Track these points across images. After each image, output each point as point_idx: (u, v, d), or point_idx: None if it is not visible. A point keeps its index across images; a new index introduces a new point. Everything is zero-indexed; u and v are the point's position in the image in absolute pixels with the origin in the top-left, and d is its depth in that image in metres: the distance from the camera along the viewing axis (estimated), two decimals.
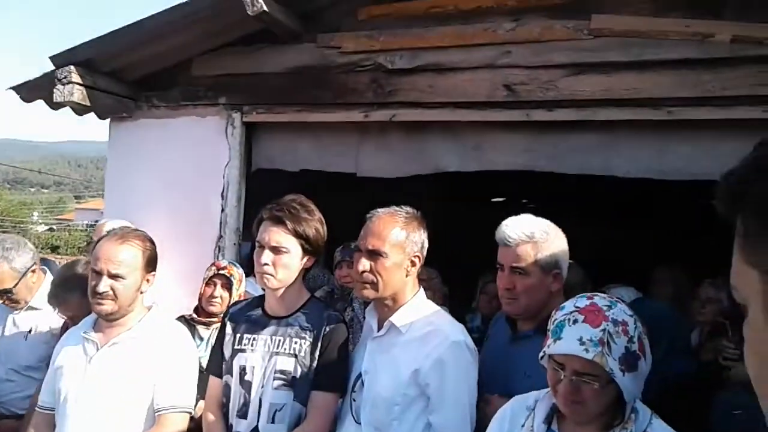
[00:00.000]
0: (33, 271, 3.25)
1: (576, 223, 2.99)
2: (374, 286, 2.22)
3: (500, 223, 2.28)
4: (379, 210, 2.30)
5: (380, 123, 3.67)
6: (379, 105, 3.63)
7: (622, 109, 3.16)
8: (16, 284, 3.13)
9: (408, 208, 2.31)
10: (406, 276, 2.25)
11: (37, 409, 2.48)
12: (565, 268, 2.26)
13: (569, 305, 1.69)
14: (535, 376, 1.80)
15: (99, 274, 2.32)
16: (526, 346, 2.14)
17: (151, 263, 2.44)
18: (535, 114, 3.30)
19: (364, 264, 2.21)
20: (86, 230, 40.36)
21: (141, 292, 2.42)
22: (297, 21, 3.72)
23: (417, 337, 2.19)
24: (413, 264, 2.25)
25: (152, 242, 2.50)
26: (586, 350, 1.56)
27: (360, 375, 2.25)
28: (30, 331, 3.17)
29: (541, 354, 1.70)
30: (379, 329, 2.28)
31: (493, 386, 2.16)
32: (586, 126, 3.26)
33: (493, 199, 9.11)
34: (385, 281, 2.21)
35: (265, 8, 3.32)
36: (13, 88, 4.05)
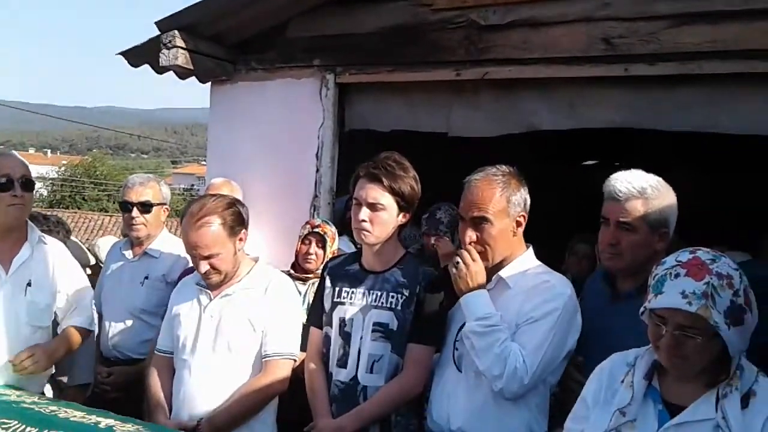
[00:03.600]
0: (165, 210, 3.50)
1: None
2: (484, 255, 2.25)
3: (606, 179, 2.25)
4: (476, 175, 2.29)
5: (472, 81, 3.63)
6: (471, 63, 3.59)
7: (729, 61, 2.99)
8: (155, 205, 3.36)
9: (504, 168, 2.30)
10: (513, 236, 2.28)
11: (156, 352, 2.68)
12: (672, 228, 2.20)
13: (670, 260, 1.66)
14: (638, 335, 1.77)
15: (194, 257, 2.44)
16: (627, 305, 2.11)
17: (236, 225, 2.46)
18: (635, 68, 3.18)
19: (471, 235, 2.24)
20: (183, 194, 42.32)
21: (237, 252, 2.50)
22: None
23: (524, 290, 2.22)
24: (519, 224, 2.27)
25: (229, 204, 2.49)
26: (689, 303, 1.53)
27: (464, 325, 2.28)
28: (146, 277, 3.35)
29: (641, 309, 1.68)
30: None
31: (593, 346, 2.15)
32: (690, 80, 3.11)
33: (584, 162, 8.87)
34: (494, 249, 2.25)
35: None
36: (121, 53, 4.28)
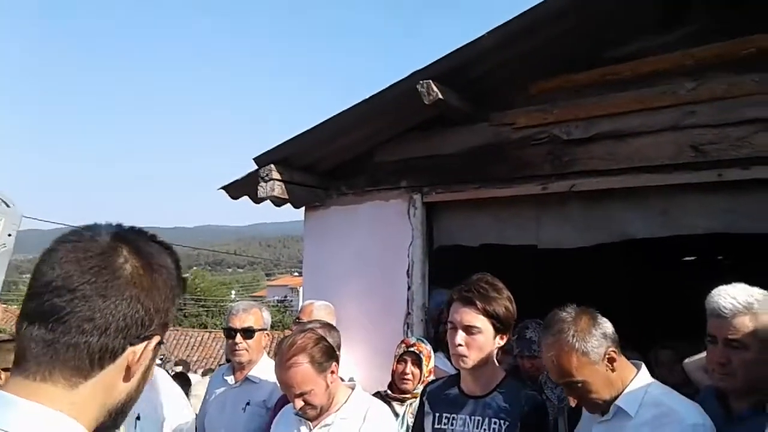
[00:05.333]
0: (267, 336, 3.60)
1: None
2: (596, 406, 2.17)
3: (708, 296, 2.15)
4: (544, 338, 2.20)
5: (559, 194, 3.66)
6: (557, 176, 3.64)
7: None
8: (256, 331, 3.45)
9: (567, 314, 2.18)
10: (613, 372, 2.15)
11: None
12: None
13: None
14: None
15: (288, 395, 2.50)
16: (744, 427, 1.97)
17: (325, 360, 2.49)
18: (729, 173, 3.12)
19: (572, 400, 2.19)
20: (277, 306, 43.23)
21: (329, 385, 2.51)
22: (469, 103, 3.88)
23: (647, 419, 2.08)
24: (612, 360, 2.14)
25: (317, 341, 2.53)
26: None
27: None
28: (248, 403, 3.41)
29: None
30: (603, 413, 2.18)
31: None
32: None
33: (684, 258, 8.51)
34: (601, 394, 2.14)
35: (440, 96, 3.52)
36: (223, 188, 4.61)
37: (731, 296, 2.09)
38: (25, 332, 0.93)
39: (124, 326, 0.95)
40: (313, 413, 2.49)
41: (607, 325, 2.18)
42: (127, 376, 0.98)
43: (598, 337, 2.13)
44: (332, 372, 2.52)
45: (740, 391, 2.09)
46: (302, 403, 2.45)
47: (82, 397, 0.93)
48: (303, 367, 2.44)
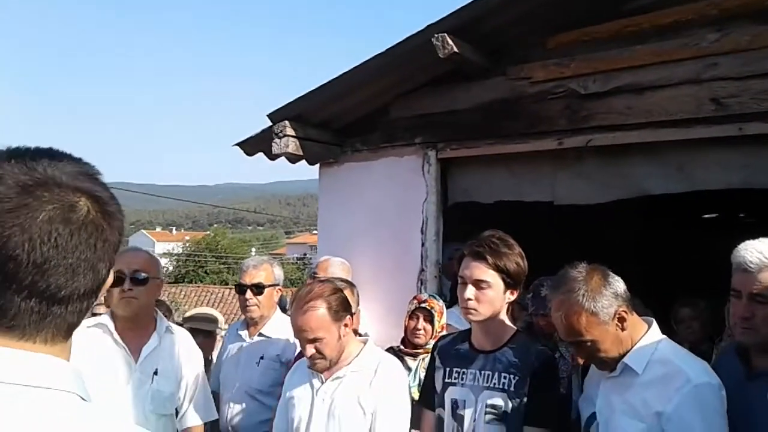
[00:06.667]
0: (278, 291, 3.65)
1: None
2: (605, 365, 2.16)
3: (735, 250, 2.10)
4: (552, 295, 2.19)
5: (575, 149, 3.61)
6: (573, 131, 3.58)
7: None
8: (267, 287, 3.51)
9: (578, 272, 2.14)
10: (623, 331, 2.12)
11: None
12: None
13: None
14: None
15: (301, 341, 2.53)
16: (765, 383, 1.95)
17: (341, 311, 2.51)
18: (750, 127, 3.05)
19: (580, 358, 2.22)
20: (296, 263, 43.62)
21: (342, 337, 2.53)
22: (485, 57, 3.81)
23: (655, 378, 2.06)
24: (622, 320, 2.11)
25: (335, 290, 2.56)
26: None
27: (593, 414, 2.18)
28: (262, 358, 3.48)
29: None
30: (612, 369, 2.17)
31: (731, 428, 1.98)
32: None
33: (705, 216, 8.42)
34: (610, 353, 2.12)
35: (455, 49, 3.46)
36: (237, 144, 4.61)
37: (758, 251, 2.05)
38: None
39: None
40: (322, 364, 2.52)
41: (618, 284, 2.14)
42: None
43: (608, 296, 2.10)
44: (346, 325, 2.54)
45: (762, 347, 2.07)
46: (313, 351, 2.47)
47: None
48: (319, 312, 2.46)
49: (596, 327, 2.08)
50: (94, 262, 0.93)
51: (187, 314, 4.79)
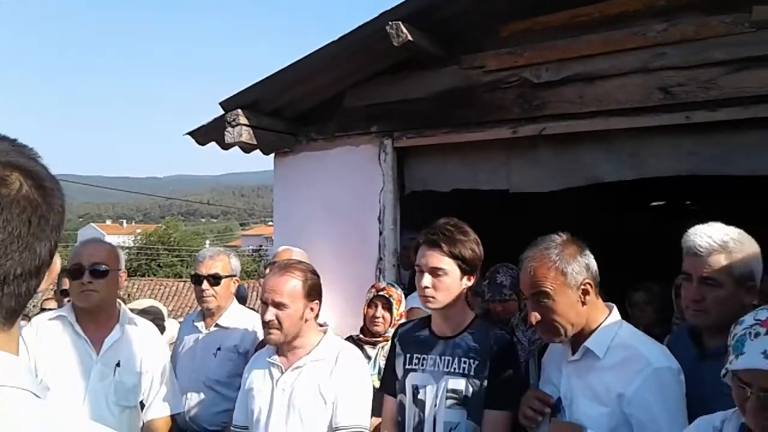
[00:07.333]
0: (235, 282, 3.60)
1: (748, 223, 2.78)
2: (555, 330, 2.13)
3: (685, 234, 2.15)
4: (529, 251, 2.18)
5: (529, 138, 3.66)
6: (527, 120, 3.63)
7: None
8: (224, 277, 3.47)
9: (558, 237, 2.17)
10: (584, 306, 2.12)
11: (232, 428, 2.71)
12: (758, 280, 2.10)
13: (749, 319, 1.60)
14: (729, 395, 1.66)
15: (265, 303, 2.50)
16: (716, 363, 2.01)
17: (313, 293, 2.52)
18: (697, 115, 3.14)
19: (534, 315, 2.13)
20: (252, 255, 43.20)
21: (305, 320, 2.53)
22: (440, 46, 3.82)
23: (615, 362, 2.08)
24: (586, 293, 2.12)
25: (314, 273, 2.58)
26: None
27: (560, 399, 2.19)
28: (219, 348, 3.44)
29: (723, 371, 1.61)
30: (573, 352, 2.18)
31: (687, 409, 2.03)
32: (754, 124, 3.05)
33: (652, 203, 8.66)
34: (564, 321, 2.11)
35: (409, 38, 3.46)
36: (189, 133, 4.51)
37: (707, 235, 2.10)
38: None
39: None
40: (277, 336, 2.48)
41: (592, 260, 2.16)
42: None
43: (581, 264, 2.12)
44: (312, 309, 2.54)
45: (713, 329, 2.11)
46: (273, 317, 2.45)
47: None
48: (295, 281, 2.48)
49: (560, 286, 2.09)
50: (29, 240, 0.87)
51: (131, 306, 4.67)
